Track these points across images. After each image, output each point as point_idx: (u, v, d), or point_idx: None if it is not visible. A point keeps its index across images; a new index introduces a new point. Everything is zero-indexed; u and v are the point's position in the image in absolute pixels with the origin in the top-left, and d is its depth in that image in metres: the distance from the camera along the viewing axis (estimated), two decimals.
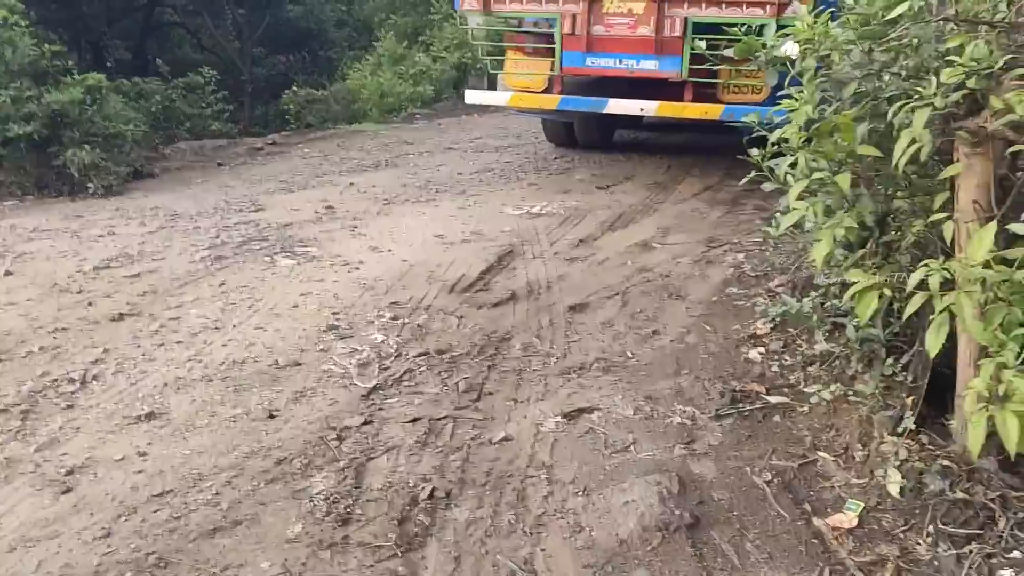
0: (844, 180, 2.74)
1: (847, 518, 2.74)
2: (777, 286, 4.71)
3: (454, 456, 3.25)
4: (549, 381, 3.88)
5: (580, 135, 9.76)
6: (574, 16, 7.34)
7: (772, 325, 4.17)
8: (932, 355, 2.43)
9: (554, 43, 7.53)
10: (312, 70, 20.95)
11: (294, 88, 16.65)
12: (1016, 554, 2.45)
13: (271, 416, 3.63)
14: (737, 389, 3.63)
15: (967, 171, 2.63)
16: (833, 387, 3.26)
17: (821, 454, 3.09)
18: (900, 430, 2.95)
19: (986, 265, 2.28)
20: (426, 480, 3.07)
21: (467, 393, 3.78)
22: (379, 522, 2.85)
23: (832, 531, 2.69)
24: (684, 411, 3.49)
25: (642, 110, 7.36)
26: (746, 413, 3.45)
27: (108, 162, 8.58)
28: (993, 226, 2.36)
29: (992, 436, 2.69)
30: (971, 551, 2.48)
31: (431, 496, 2.97)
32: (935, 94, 2.43)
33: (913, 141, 2.48)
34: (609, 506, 2.85)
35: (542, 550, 2.67)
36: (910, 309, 2.41)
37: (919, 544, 2.58)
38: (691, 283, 5.16)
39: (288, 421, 3.59)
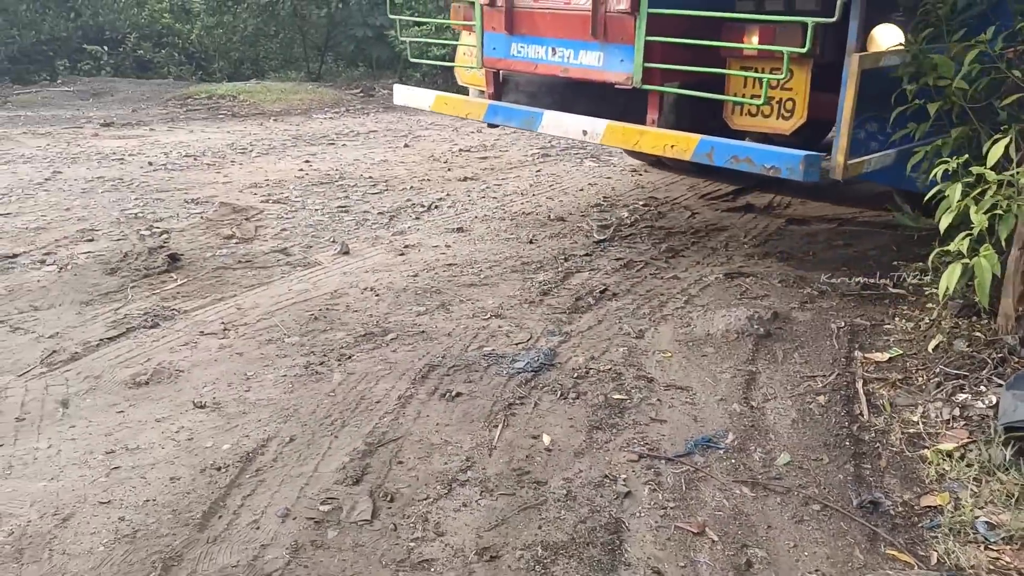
0: (932, 107, 3.58)
1: (882, 356, 3.67)
2: None
3: (632, 279, 4.66)
4: (732, 257, 5.05)
5: None
6: None
7: None
8: (942, 229, 3.28)
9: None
10: None
11: None
12: (981, 388, 3.25)
13: (530, 242, 5.34)
14: (871, 282, 4.50)
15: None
16: (927, 278, 4.05)
17: (896, 321, 3.95)
18: (962, 313, 3.73)
19: (994, 169, 3.12)
20: (605, 286, 4.54)
21: (666, 252, 5.12)
22: (564, 298, 4.40)
23: (863, 359, 3.65)
24: (820, 287, 4.47)
25: (585, 133, 4.42)
26: (865, 295, 4.34)
27: None
28: (1005, 140, 3.14)
29: (1021, 319, 3.46)
30: (950, 382, 3.33)
31: (602, 293, 4.45)
32: (987, 40, 3.23)
33: (969, 74, 3.31)
34: (714, 317, 4.08)
35: (655, 329, 4.02)
36: (941, 211, 3.26)
37: (920, 376, 3.46)
38: None
39: (540, 246, 5.26)
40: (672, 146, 4.06)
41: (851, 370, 3.57)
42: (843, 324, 3.97)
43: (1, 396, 3.33)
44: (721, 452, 2.99)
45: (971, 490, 2.73)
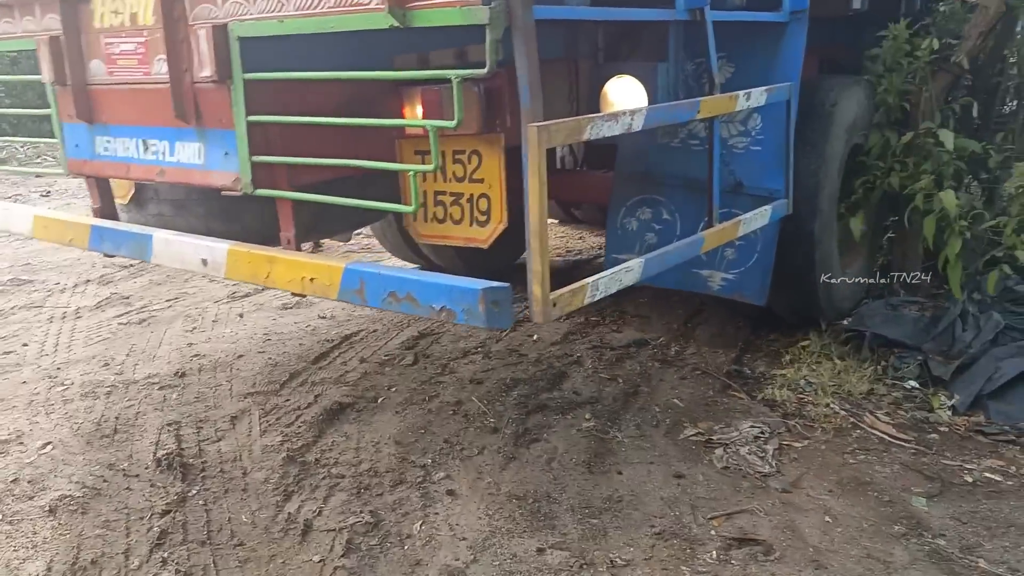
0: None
1: None
2: None
3: None
4: None
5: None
6: (57, 42, 3.22)
7: None
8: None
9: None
10: None
11: None
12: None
13: None
14: None
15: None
16: None
17: None
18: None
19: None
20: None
21: None
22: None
23: None
24: None
25: (206, 263, 2.88)
26: None
27: None
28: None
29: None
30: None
31: None
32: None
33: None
34: None
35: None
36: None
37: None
38: None
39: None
40: (312, 279, 2.62)
41: None
42: None
43: (204, 310, 5.27)
44: (650, 347, 4.44)
45: (810, 366, 4.04)
